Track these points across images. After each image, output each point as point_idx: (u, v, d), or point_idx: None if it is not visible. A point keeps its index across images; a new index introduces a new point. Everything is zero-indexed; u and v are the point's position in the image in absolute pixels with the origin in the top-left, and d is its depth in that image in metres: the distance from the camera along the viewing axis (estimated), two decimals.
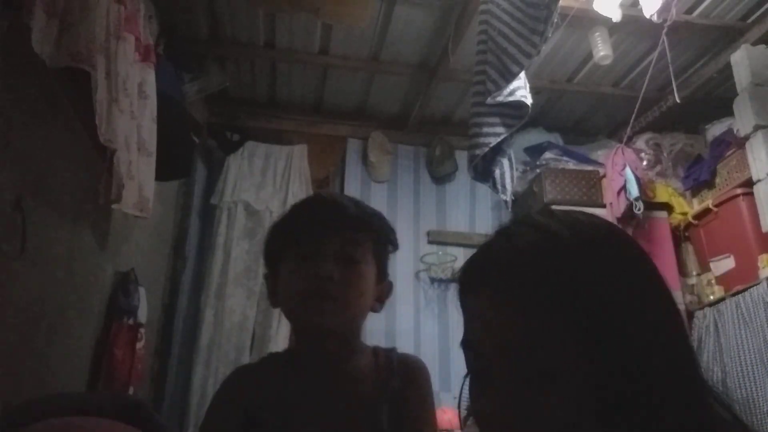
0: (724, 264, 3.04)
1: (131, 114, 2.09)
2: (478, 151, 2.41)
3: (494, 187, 2.54)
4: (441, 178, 3.75)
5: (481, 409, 0.60)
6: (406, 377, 1.01)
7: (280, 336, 3.22)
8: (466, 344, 0.62)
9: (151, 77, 2.29)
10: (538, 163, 3.49)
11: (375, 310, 1.05)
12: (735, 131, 2.97)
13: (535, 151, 3.55)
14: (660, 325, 0.58)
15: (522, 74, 2.32)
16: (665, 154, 3.48)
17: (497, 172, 2.51)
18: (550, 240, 0.58)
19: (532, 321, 0.55)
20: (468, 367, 0.62)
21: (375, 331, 3.06)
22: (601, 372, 0.54)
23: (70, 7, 1.60)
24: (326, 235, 1.01)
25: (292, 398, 0.96)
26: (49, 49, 1.53)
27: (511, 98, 2.32)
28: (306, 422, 0.94)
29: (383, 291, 1.07)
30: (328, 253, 1.00)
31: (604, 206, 3.30)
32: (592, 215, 0.65)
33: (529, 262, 0.57)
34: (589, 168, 3.47)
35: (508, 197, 2.54)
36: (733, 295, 2.80)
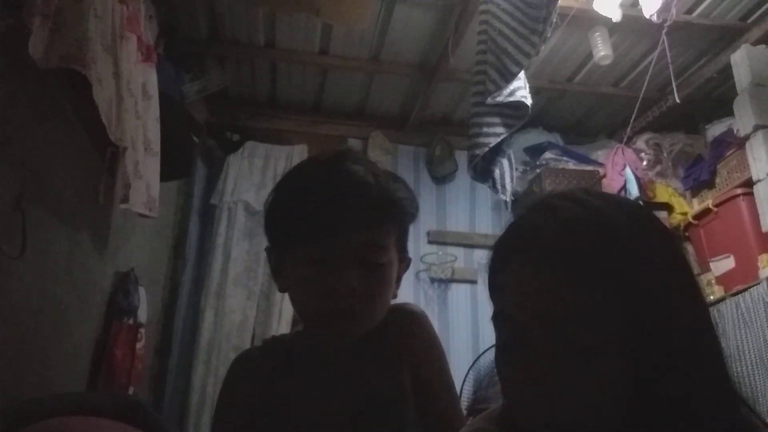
0: (724, 264, 3.04)
1: (136, 113, 2.09)
2: (477, 151, 2.41)
3: (494, 187, 2.55)
4: (441, 178, 3.75)
5: (513, 379, 0.61)
6: (401, 331, 0.94)
7: None
8: (500, 316, 0.62)
9: (153, 77, 2.29)
10: (538, 163, 3.49)
11: (394, 296, 0.95)
12: (735, 131, 2.97)
13: (535, 151, 3.55)
14: (695, 310, 0.60)
15: (522, 74, 2.33)
16: (665, 154, 3.48)
17: (497, 172, 2.51)
18: (595, 215, 0.59)
19: (577, 293, 0.55)
20: (500, 339, 0.63)
21: None
22: (640, 351, 0.55)
23: (62, 7, 1.58)
24: (348, 239, 0.85)
25: (293, 387, 0.92)
26: (41, 50, 1.52)
27: (511, 98, 2.33)
28: (307, 411, 0.90)
29: (402, 270, 0.96)
30: (350, 259, 0.85)
31: None
32: (627, 199, 0.69)
33: (576, 234, 0.58)
34: (589, 168, 3.47)
35: (507, 197, 2.54)
36: (733, 295, 2.80)
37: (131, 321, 2.34)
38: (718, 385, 0.58)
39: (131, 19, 2.08)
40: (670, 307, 0.57)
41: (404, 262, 0.97)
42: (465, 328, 3.45)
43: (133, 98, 2.04)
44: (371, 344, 0.92)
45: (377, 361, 0.92)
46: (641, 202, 3.17)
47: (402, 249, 0.95)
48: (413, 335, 0.95)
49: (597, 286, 0.55)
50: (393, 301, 0.96)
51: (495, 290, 0.64)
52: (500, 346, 0.63)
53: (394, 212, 0.90)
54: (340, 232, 0.85)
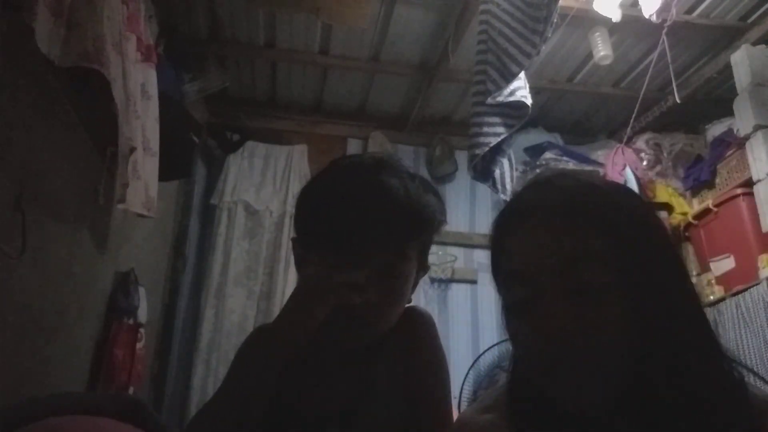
0: (724, 264, 3.04)
1: (135, 113, 2.09)
2: (478, 151, 2.41)
3: (494, 187, 2.55)
4: (441, 178, 3.75)
5: (524, 331, 0.68)
6: (408, 332, 0.94)
7: None
8: (511, 275, 0.71)
9: (153, 77, 2.29)
10: (538, 163, 3.49)
11: (408, 300, 0.96)
12: (735, 131, 2.97)
13: (535, 151, 3.55)
14: (673, 261, 0.71)
15: (522, 74, 2.33)
16: (665, 154, 3.48)
17: (497, 172, 2.52)
18: (586, 184, 0.72)
19: (580, 242, 0.65)
20: (509, 298, 0.71)
21: None
22: (635, 292, 0.64)
23: (77, 6, 1.59)
24: (373, 253, 0.86)
25: (296, 373, 0.91)
26: (57, 49, 1.53)
27: (511, 98, 2.32)
28: (305, 398, 0.91)
29: (419, 277, 0.97)
30: (369, 269, 0.86)
31: None
32: (606, 179, 0.80)
33: (574, 197, 0.69)
34: (589, 168, 3.46)
35: (508, 197, 2.54)
36: (733, 295, 2.80)
37: (131, 321, 2.34)
38: (699, 322, 0.69)
39: (131, 18, 2.08)
40: (653, 252, 0.68)
41: (423, 269, 0.98)
42: (465, 328, 3.46)
43: (133, 98, 2.04)
44: (376, 341, 0.93)
45: (378, 355, 0.93)
46: None
47: (423, 258, 0.97)
48: (420, 338, 0.96)
49: (595, 235, 0.65)
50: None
51: (503, 254, 0.72)
52: (510, 305, 0.71)
53: (421, 227, 0.92)
54: (366, 246, 0.86)
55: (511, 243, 0.71)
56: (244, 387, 0.85)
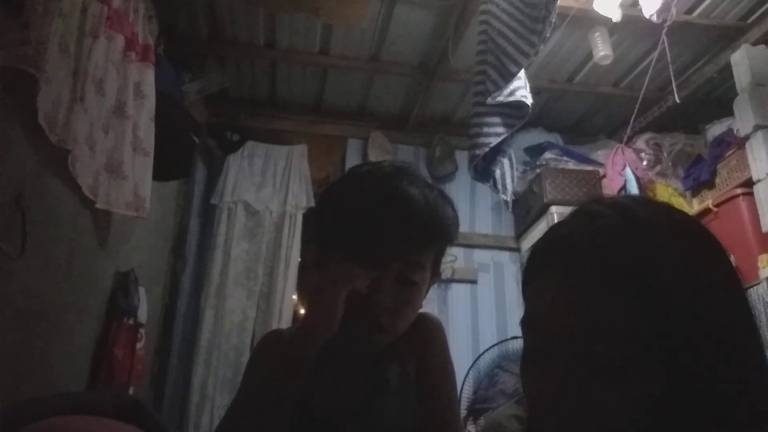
0: None
1: (123, 113, 2.08)
2: (478, 151, 2.41)
3: (494, 187, 2.55)
4: (441, 178, 3.75)
5: (533, 389, 0.60)
6: (420, 337, 0.96)
7: None
8: (528, 322, 0.61)
9: (149, 77, 2.29)
10: (538, 163, 3.49)
11: (420, 306, 0.98)
12: (735, 131, 2.97)
13: (535, 151, 3.55)
14: (736, 337, 0.55)
15: (522, 74, 2.33)
16: (665, 154, 3.48)
17: (497, 172, 2.51)
18: (636, 228, 0.56)
19: (604, 312, 0.53)
20: (525, 344, 0.62)
21: None
22: (670, 375, 0.52)
23: (31, 8, 1.56)
24: (390, 259, 0.89)
25: (316, 373, 0.91)
26: (3, 49, 1.50)
27: (511, 98, 2.32)
28: (318, 394, 0.92)
29: (431, 283, 0.99)
30: (388, 277, 0.89)
31: None
32: (676, 209, 0.63)
33: (611, 247, 0.55)
34: (589, 168, 3.47)
35: (508, 197, 2.54)
36: None
37: (131, 321, 2.33)
38: (757, 410, 0.54)
39: (117, 18, 2.05)
40: (712, 331, 0.53)
41: (435, 276, 1.00)
42: (465, 328, 3.46)
43: (106, 98, 2.00)
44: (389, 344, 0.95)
45: (391, 355, 0.95)
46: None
47: (437, 266, 0.99)
48: (431, 343, 0.98)
49: (628, 305, 0.52)
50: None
51: (526, 294, 0.63)
52: (525, 352, 0.62)
53: (439, 237, 0.94)
54: (384, 252, 0.88)
55: (533, 283, 0.62)
56: (275, 390, 0.85)
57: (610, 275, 0.54)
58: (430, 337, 0.99)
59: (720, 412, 0.52)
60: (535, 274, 0.61)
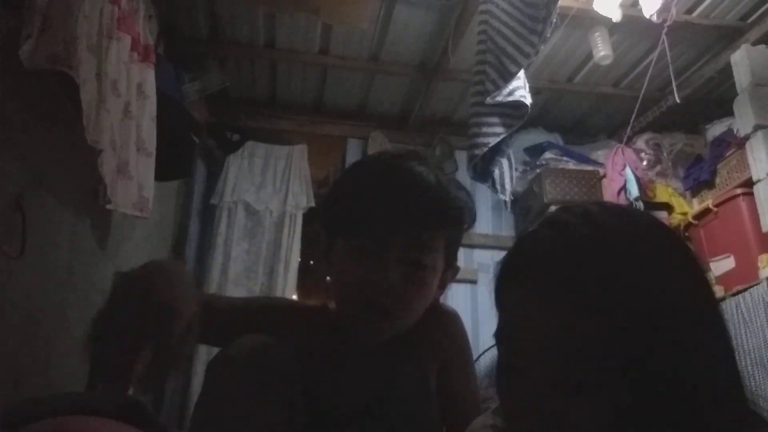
0: (724, 264, 3.04)
1: (127, 114, 2.08)
2: (477, 151, 2.41)
3: (494, 187, 2.55)
4: None
5: (507, 401, 0.59)
6: (438, 329, 0.94)
7: None
8: (500, 335, 0.60)
9: (150, 77, 2.28)
10: (538, 163, 3.49)
11: (436, 297, 0.94)
12: (735, 131, 2.97)
13: (535, 151, 3.55)
14: (705, 345, 0.54)
15: (521, 74, 2.33)
16: (665, 154, 3.48)
17: (497, 172, 2.51)
18: (606, 239, 0.55)
19: (570, 323, 0.52)
20: (499, 359, 0.61)
21: None
22: (641, 393, 0.51)
23: (52, 7, 1.56)
24: (396, 236, 0.86)
25: (328, 367, 0.91)
26: (28, 50, 1.50)
27: (510, 98, 2.32)
28: (326, 393, 0.90)
29: (448, 276, 0.95)
30: (395, 256, 0.85)
31: None
32: (649, 215, 0.63)
33: (575, 261, 0.54)
34: (589, 168, 3.47)
35: (507, 197, 2.54)
36: (733, 295, 2.79)
37: None
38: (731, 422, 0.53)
39: (124, 19, 2.06)
40: (678, 340, 0.52)
41: (452, 269, 0.96)
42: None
43: (121, 98, 2.01)
44: (402, 336, 0.92)
45: (406, 352, 0.92)
46: (642, 203, 3.17)
47: (452, 256, 0.95)
48: (450, 335, 0.96)
49: (591, 319, 0.51)
50: None
51: (498, 306, 0.61)
52: (498, 365, 0.61)
53: (447, 217, 0.89)
54: (389, 228, 0.85)
55: (504, 296, 0.61)
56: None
57: (573, 289, 0.53)
58: (449, 327, 0.95)
59: (689, 423, 0.51)
60: (507, 286, 0.60)
